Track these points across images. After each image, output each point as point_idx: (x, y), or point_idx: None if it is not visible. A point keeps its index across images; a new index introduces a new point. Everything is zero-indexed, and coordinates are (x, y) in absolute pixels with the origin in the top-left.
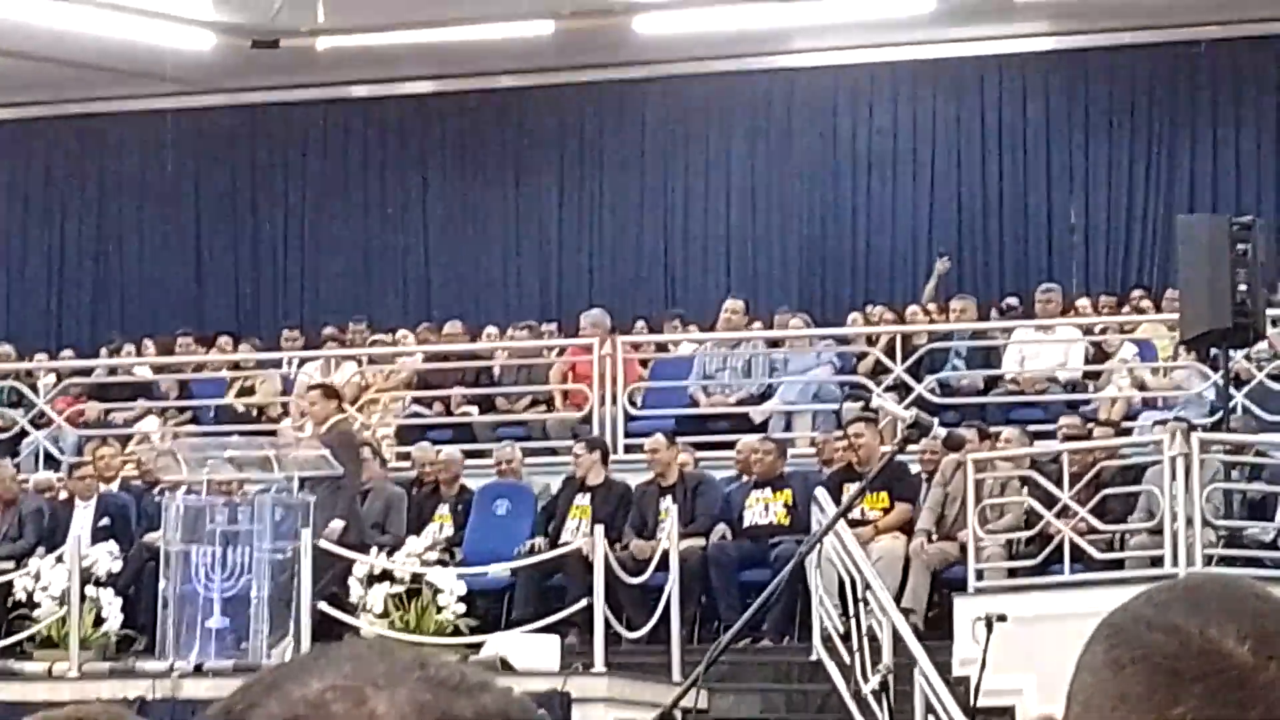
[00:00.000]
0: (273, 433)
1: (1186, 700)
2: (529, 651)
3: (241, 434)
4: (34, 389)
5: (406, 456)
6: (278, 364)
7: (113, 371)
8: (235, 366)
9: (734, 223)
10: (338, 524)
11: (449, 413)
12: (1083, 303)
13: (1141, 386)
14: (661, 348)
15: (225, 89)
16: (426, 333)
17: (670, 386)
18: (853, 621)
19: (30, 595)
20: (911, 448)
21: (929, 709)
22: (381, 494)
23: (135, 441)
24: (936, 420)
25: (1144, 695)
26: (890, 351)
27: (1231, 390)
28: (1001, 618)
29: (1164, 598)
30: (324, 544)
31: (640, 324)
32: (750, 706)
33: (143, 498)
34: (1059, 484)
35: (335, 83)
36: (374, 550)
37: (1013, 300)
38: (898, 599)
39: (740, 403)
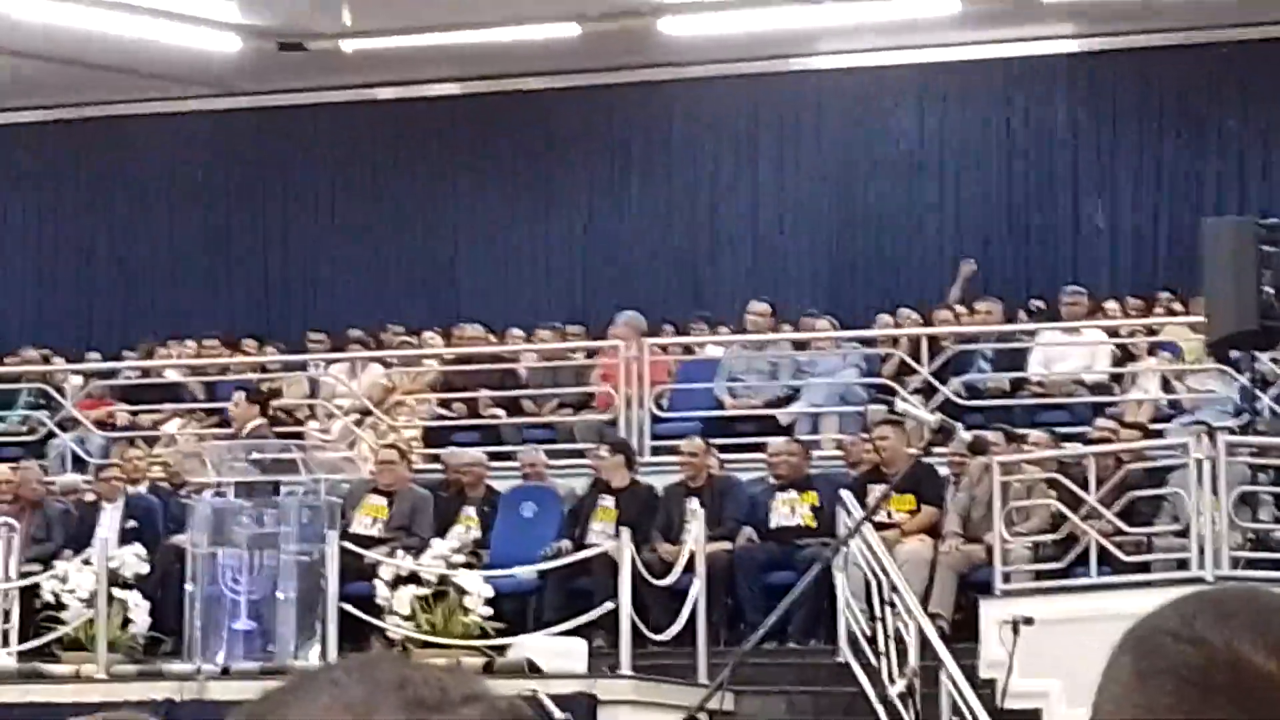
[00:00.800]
0: (299, 435)
1: (1213, 712)
2: (555, 654)
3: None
4: (61, 391)
5: (433, 459)
6: (304, 366)
7: (144, 374)
8: (262, 369)
9: (760, 225)
10: None
11: (475, 415)
12: (1110, 305)
13: (1169, 389)
14: (688, 350)
15: (251, 91)
16: (455, 334)
17: (696, 389)
18: (879, 624)
19: (58, 597)
20: (939, 451)
21: (955, 712)
22: (408, 496)
23: (162, 444)
24: (960, 424)
25: (1171, 707)
26: (916, 354)
27: (1257, 392)
28: (1028, 621)
29: (1190, 609)
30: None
31: (667, 327)
32: (776, 709)
33: (169, 500)
34: (1085, 487)
35: (361, 85)
36: (400, 552)
37: (1039, 303)
38: (924, 602)
39: (766, 405)
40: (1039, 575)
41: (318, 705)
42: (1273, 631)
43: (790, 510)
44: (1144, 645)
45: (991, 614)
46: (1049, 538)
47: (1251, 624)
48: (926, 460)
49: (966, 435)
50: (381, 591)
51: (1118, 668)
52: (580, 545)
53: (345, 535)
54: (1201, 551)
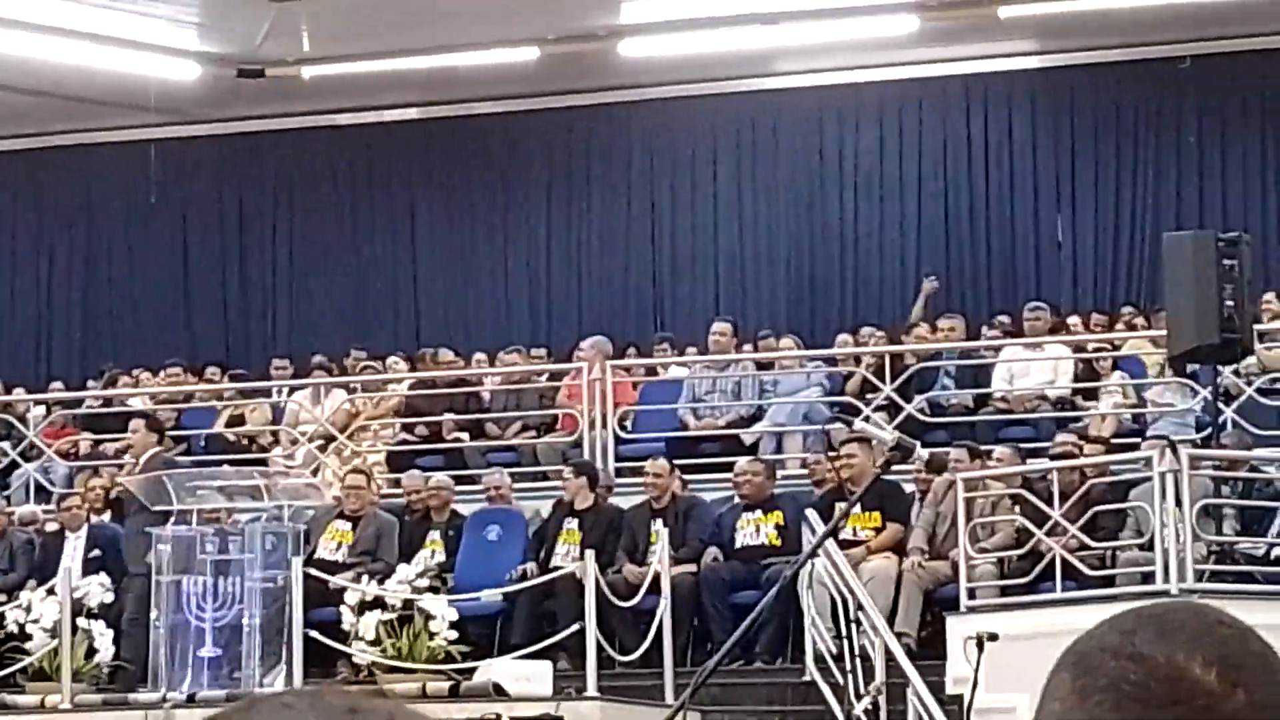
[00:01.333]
0: (263, 462)
1: None
2: (521, 677)
3: (232, 463)
4: (23, 421)
5: (397, 483)
6: (267, 393)
7: (107, 402)
8: (224, 396)
9: (721, 245)
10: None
11: (439, 439)
12: (1073, 320)
13: (1135, 404)
14: (651, 371)
15: (211, 119)
16: (420, 358)
17: (660, 410)
18: (845, 642)
19: (22, 628)
20: (905, 468)
21: None
22: (373, 521)
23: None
24: (919, 442)
25: None
26: (880, 372)
27: (1220, 406)
28: (993, 636)
29: (1129, 625)
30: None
31: (630, 348)
32: None
33: None
34: (1049, 502)
35: (321, 111)
36: (365, 577)
37: (1002, 319)
38: (890, 619)
39: (730, 425)
40: (1004, 591)
41: None
42: (1212, 646)
43: (755, 530)
44: (1083, 662)
45: (957, 630)
46: (1014, 553)
47: (1192, 638)
48: (892, 478)
49: (924, 453)
50: (347, 617)
51: (1058, 684)
52: (545, 568)
53: (310, 561)
54: (1166, 565)
